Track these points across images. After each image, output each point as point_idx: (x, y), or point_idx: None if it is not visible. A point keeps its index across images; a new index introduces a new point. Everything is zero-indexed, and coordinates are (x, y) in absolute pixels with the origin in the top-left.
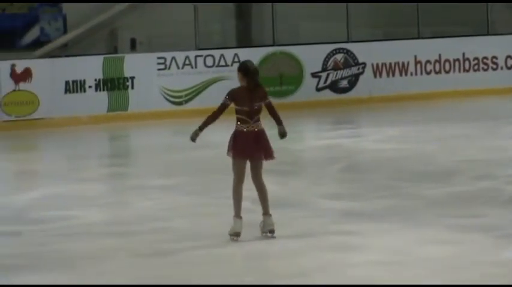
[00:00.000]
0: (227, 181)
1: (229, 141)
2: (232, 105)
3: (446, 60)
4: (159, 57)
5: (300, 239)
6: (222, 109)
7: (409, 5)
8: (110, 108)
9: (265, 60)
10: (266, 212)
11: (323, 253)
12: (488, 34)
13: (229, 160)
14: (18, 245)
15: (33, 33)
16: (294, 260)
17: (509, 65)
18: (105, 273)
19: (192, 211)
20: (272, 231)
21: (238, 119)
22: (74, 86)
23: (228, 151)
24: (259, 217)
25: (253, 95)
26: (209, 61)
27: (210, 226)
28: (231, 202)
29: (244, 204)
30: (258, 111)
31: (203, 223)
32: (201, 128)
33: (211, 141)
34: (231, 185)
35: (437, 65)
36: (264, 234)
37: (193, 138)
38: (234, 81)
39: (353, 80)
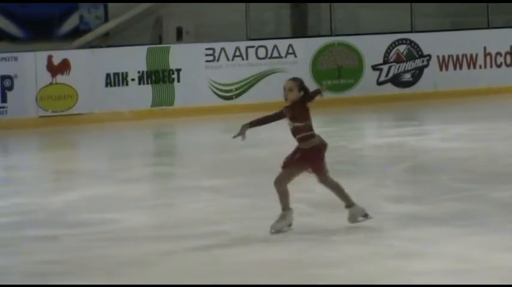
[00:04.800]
0: None
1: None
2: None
3: None
4: (207, 48)
5: (360, 245)
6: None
7: None
8: (154, 103)
9: (322, 51)
10: (348, 205)
11: (386, 260)
12: None
13: (282, 159)
14: (57, 251)
15: (71, 22)
16: (355, 267)
17: None
18: (152, 281)
19: (245, 214)
20: (365, 214)
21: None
22: (116, 79)
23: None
24: (319, 220)
25: None
26: (261, 52)
27: (264, 230)
28: None
29: (301, 207)
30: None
31: (257, 227)
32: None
33: (263, 140)
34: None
35: (508, 57)
36: (357, 221)
37: (239, 135)
38: (288, 74)
39: (417, 74)
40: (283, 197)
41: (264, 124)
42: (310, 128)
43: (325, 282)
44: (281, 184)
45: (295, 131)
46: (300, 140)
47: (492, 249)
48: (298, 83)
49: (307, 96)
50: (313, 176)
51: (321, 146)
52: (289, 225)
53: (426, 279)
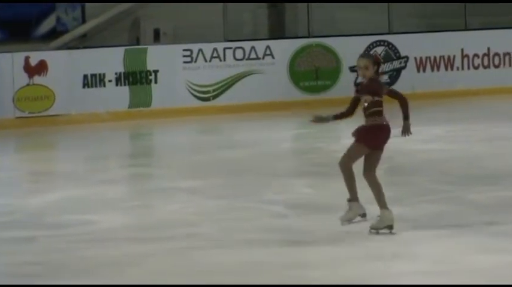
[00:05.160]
0: (258, 183)
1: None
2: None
3: (496, 54)
4: (184, 50)
5: (338, 247)
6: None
7: None
8: (132, 104)
9: (299, 53)
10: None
11: (364, 262)
12: None
13: (259, 161)
14: (36, 252)
15: (48, 23)
16: (333, 269)
17: None
18: (131, 281)
19: (222, 215)
20: (390, 227)
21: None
22: (93, 80)
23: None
24: (296, 221)
25: None
26: (239, 54)
27: (240, 232)
28: (262, 206)
29: (277, 208)
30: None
31: (234, 228)
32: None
33: (239, 141)
34: (261, 187)
35: (485, 59)
36: (379, 230)
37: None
38: (265, 75)
39: (394, 75)
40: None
41: (344, 118)
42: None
43: (303, 284)
44: (345, 167)
45: (373, 105)
46: (371, 115)
47: (469, 251)
48: (372, 59)
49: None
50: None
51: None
52: (361, 215)
53: (405, 281)
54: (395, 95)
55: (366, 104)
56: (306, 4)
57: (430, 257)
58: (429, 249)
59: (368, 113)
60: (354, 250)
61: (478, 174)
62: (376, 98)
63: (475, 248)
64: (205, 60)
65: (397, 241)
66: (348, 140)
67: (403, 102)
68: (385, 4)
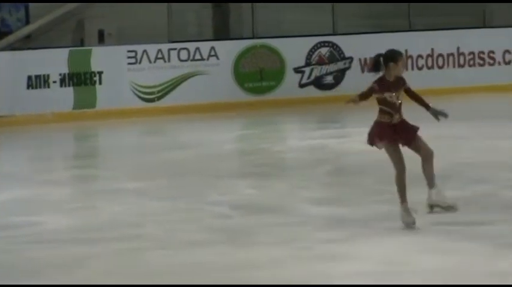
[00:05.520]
0: (202, 184)
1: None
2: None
3: (440, 55)
4: (129, 51)
5: (283, 247)
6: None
7: None
8: (76, 106)
9: (244, 54)
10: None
11: (308, 262)
12: (484, 26)
13: (203, 162)
14: None
15: None
16: (278, 269)
17: (507, 60)
18: (78, 282)
19: (167, 216)
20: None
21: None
22: (37, 81)
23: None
24: (240, 222)
25: None
26: (183, 55)
27: (185, 233)
28: (206, 206)
29: (221, 209)
30: None
31: (179, 229)
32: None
33: (185, 142)
34: (205, 188)
35: (429, 59)
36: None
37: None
38: (210, 76)
39: (339, 76)
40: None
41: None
42: None
43: (247, 283)
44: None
45: (399, 104)
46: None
47: (414, 251)
48: None
49: None
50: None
51: None
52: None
53: (348, 281)
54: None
55: (399, 101)
56: (250, 5)
57: (375, 257)
58: (374, 249)
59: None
60: (298, 250)
61: (422, 175)
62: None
63: (421, 248)
64: (150, 62)
65: (342, 241)
66: (293, 141)
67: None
68: (330, 5)
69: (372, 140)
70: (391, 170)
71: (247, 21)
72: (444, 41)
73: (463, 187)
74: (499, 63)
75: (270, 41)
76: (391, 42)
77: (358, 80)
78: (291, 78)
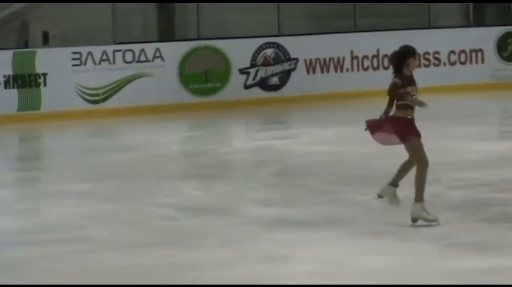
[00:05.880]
0: (148, 186)
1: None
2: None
3: (385, 55)
4: (73, 52)
5: (228, 249)
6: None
7: None
8: (21, 108)
9: (189, 55)
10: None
11: (254, 263)
12: (430, 27)
13: (149, 163)
14: None
15: None
16: (223, 271)
17: (452, 60)
18: (24, 283)
19: (112, 218)
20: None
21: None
22: None
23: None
24: (185, 224)
25: None
26: (128, 56)
27: (130, 235)
28: (153, 209)
29: (167, 211)
30: None
31: (123, 232)
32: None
33: (130, 144)
34: (151, 189)
35: (375, 60)
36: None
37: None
38: (155, 77)
39: (284, 77)
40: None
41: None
42: None
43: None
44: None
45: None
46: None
47: (357, 252)
48: None
49: None
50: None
51: None
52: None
53: (292, 282)
54: None
55: (414, 95)
56: (195, 6)
57: (319, 258)
58: (319, 250)
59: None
60: (244, 251)
61: (369, 175)
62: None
63: (364, 249)
64: (95, 63)
65: (288, 242)
66: (239, 142)
67: None
68: (275, 6)
69: (410, 137)
70: (335, 171)
71: (192, 22)
72: (390, 41)
73: (408, 188)
74: (444, 64)
75: (215, 42)
76: (336, 43)
77: (303, 81)
78: (236, 80)
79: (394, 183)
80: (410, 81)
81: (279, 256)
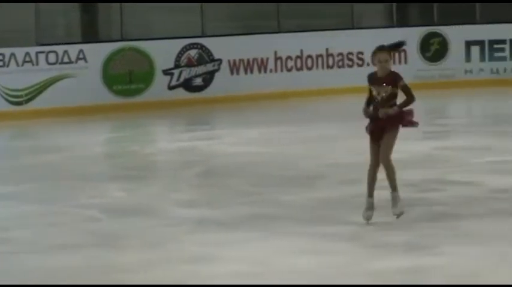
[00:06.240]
0: (72, 187)
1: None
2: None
3: (309, 56)
4: None
5: (153, 250)
6: None
7: None
8: None
9: (112, 56)
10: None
11: (179, 264)
12: (353, 28)
13: (73, 165)
14: None
15: None
16: (148, 272)
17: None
18: None
19: (37, 220)
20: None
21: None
22: None
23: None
24: (110, 225)
25: None
26: (52, 58)
27: (55, 236)
28: (77, 210)
29: (91, 212)
30: None
31: (45, 234)
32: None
33: (54, 145)
34: (75, 191)
35: (298, 61)
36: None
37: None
38: (79, 79)
39: (208, 78)
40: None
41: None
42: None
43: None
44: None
45: (392, 98)
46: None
47: (284, 252)
48: (390, 51)
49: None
50: None
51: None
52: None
53: (221, 282)
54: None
55: (384, 95)
56: (119, 6)
57: (244, 258)
58: (244, 251)
59: (390, 105)
60: (169, 252)
61: (292, 176)
62: (396, 91)
63: (289, 249)
64: (18, 65)
65: (213, 242)
66: (163, 143)
67: (410, 99)
68: (198, 7)
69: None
70: (260, 172)
71: (115, 22)
72: (313, 42)
73: (334, 188)
74: (368, 65)
75: (139, 44)
76: (260, 43)
77: (227, 81)
78: (160, 81)
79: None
80: (382, 80)
81: (205, 257)
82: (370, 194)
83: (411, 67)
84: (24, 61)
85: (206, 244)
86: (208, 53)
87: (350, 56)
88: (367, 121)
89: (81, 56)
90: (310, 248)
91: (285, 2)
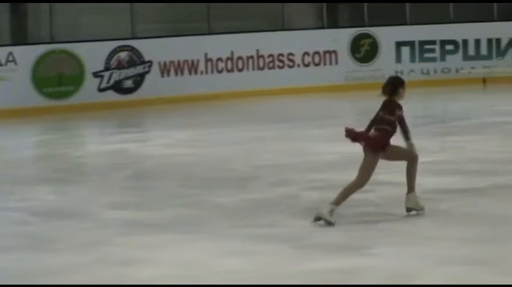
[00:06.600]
0: (1, 190)
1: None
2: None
3: (239, 58)
4: None
5: (83, 253)
6: None
7: None
8: None
9: (42, 58)
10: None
11: (110, 267)
12: (283, 29)
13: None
14: None
15: None
16: (78, 275)
17: (306, 62)
18: None
19: None
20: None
21: None
22: None
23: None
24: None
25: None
26: None
27: None
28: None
29: (20, 215)
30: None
31: None
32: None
33: None
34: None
35: (229, 62)
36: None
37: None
38: (8, 81)
39: (138, 80)
40: None
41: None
42: None
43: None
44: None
45: (386, 123)
46: (379, 131)
47: (215, 254)
48: None
49: None
50: None
51: None
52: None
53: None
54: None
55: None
56: (48, 9)
57: (176, 260)
58: (175, 253)
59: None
60: (100, 255)
61: (224, 177)
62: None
63: (220, 251)
64: None
65: (144, 245)
66: (93, 146)
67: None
68: (129, 9)
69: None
70: (191, 173)
71: (45, 24)
72: (243, 43)
73: (266, 189)
74: (299, 66)
75: (69, 46)
76: (190, 45)
77: (157, 83)
78: (90, 83)
79: (410, 189)
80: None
81: (136, 259)
82: None
83: (342, 68)
84: None
85: (138, 246)
86: (139, 55)
87: (281, 58)
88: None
89: (10, 58)
90: (242, 249)
91: (215, 2)
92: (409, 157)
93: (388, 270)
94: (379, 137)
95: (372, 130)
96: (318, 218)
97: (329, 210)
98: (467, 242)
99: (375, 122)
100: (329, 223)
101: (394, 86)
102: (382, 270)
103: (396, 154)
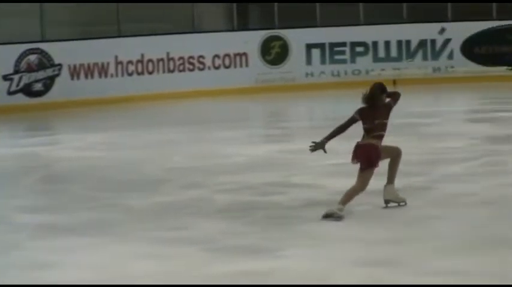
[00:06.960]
0: None
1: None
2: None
3: (149, 60)
4: None
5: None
6: (350, 122)
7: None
8: None
9: None
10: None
11: (22, 271)
12: (194, 32)
13: None
14: None
15: None
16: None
17: (217, 64)
18: None
19: None
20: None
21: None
22: None
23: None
24: None
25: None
26: None
27: None
28: None
29: None
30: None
31: None
32: (328, 139)
33: None
34: None
35: (139, 65)
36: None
37: (317, 149)
38: None
39: (48, 83)
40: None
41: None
42: None
43: None
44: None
45: (382, 128)
46: (377, 137)
47: (127, 257)
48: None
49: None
50: None
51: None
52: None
53: None
54: None
55: (374, 123)
56: None
57: (88, 264)
58: (87, 256)
59: (376, 135)
60: (11, 259)
61: (136, 180)
62: (385, 121)
63: (133, 254)
64: None
65: (55, 249)
66: (2, 149)
67: None
68: (38, 11)
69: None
70: (103, 176)
71: None
72: (154, 46)
73: (177, 192)
74: (209, 68)
75: None
76: (100, 48)
77: (67, 86)
78: None
79: (390, 181)
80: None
81: (47, 263)
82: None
83: (252, 70)
84: None
85: (49, 250)
86: (49, 58)
87: (191, 60)
88: (208, 125)
89: None
90: (153, 252)
91: (124, 2)
92: (395, 153)
93: (301, 271)
94: (377, 150)
95: (366, 137)
96: (327, 215)
97: (338, 209)
98: (380, 243)
99: (375, 129)
100: (339, 217)
101: (383, 91)
102: (294, 271)
103: (385, 154)
